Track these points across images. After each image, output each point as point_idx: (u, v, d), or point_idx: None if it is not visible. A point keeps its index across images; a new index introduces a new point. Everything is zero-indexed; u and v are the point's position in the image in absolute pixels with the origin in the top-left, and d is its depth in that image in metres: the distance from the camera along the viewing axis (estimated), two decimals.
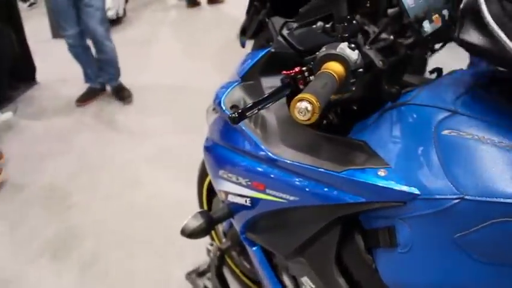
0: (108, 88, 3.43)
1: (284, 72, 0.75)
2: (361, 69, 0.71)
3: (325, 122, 1.02)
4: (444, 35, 0.91)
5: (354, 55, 0.70)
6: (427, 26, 0.85)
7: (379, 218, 0.77)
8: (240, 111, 0.70)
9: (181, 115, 3.05)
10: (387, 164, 0.74)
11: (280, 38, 0.96)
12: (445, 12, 0.89)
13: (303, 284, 1.01)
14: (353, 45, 0.71)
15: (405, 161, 0.73)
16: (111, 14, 3.45)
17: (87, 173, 2.57)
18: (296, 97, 0.61)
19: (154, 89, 3.49)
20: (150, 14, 5.34)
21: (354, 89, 0.72)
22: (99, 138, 2.91)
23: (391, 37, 0.86)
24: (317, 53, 0.73)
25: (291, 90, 0.75)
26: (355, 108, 0.94)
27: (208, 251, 1.48)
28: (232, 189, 1.03)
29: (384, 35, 0.86)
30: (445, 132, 0.71)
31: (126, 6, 5.09)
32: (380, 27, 0.84)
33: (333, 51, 0.70)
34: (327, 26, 0.82)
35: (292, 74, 0.75)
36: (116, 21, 4.73)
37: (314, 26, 0.82)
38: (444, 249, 0.69)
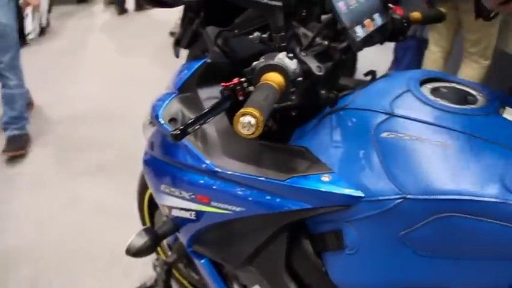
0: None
1: (223, 84, 0.74)
2: (300, 78, 0.72)
3: (265, 129, 1.02)
4: (376, 38, 0.94)
5: (292, 65, 0.71)
6: (359, 31, 0.87)
7: (325, 222, 0.78)
8: (181, 127, 0.69)
9: (115, 126, 2.95)
10: (330, 169, 0.75)
11: (215, 48, 0.94)
12: (377, 16, 0.93)
13: None
14: (291, 55, 0.71)
15: (347, 165, 0.75)
16: (32, 36, 3.08)
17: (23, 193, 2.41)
18: (239, 112, 0.60)
19: (84, 99, 3.35)
20: (76, 22, 5.13)
21: (293, 97, 0.73)
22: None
23: (326, 42, 0.88)
24: (255, 63, 0.72)
25: (231, 102, 0.74)
26: (294, 114, 0.95)
27: (155, 266, 1.44)
28: (176, 203, 1.01)
29: (318, 41, 0.87)
30: (384, 134, 0.73)
31: (49, 16, 4.85)
32: (314, 33, 0.85)
33: (271, 62, 0.70)
34: (264, 36, 0.82)
35: (231, 86, 0.74)
36: (40, 33, 4.49)
37: (251, 36, 0.82)
38: (390, 248, 0.71)
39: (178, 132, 0.68)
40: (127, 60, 4.00)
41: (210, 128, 0.93)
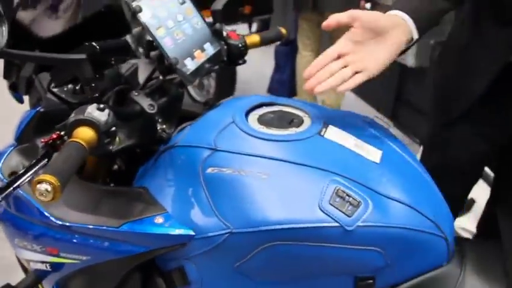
0: None
1: (42, 140, 0.72)
2: (114, 128, 0.71)
3: (116, 167, 1.01)
4: (211, 66, 0.95)
5: (103, 116, 0.69)
6: (189, 63, 0.89)
7: (170, 260, 0.79)
8: (1, 187, 0.66)
9: None
10: (164, 210, 0.76)
11: (49, 95, 0.91)
12: (208, 46, 0.94)
13: None
14: (102, 106, 0.70)
15: (179, 204, 0.76)
16: None
17: None
18: (35, 179, 0.58)
19: None
20: None
21: (111, 148, 0.72)
22: None
23: (160, 77, 0.89)
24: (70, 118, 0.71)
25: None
26: (139, 151, 0.95)
27: None
28: (31, 256, 0.96)
29: (154, 76, 0.88)
30: (209, 170, 0.75)
31: None
32: (149, 73, 0.85)
33: (81, 117, 0.68)
34: (77, 87, 0.81)
35: (50, 142, 0.72)
36: None
37: (65, 89, 0.80)
38: (230, 279, 0.74)
39: None
40: None
41: None
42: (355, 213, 0.69)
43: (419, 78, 2.95)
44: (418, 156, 2.41)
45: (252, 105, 0.87)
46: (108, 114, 0.70)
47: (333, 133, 0.80)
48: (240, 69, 3.40)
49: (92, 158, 0.91)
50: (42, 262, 0.95)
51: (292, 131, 0.81)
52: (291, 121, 0.83)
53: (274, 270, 0.71)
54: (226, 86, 3.32)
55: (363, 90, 3.67)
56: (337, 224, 0.68)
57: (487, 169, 1.31)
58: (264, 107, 0.88)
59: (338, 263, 0.71)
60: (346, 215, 0.68)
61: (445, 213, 0.79)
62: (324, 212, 0.68)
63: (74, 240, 0.83)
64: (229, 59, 1.02)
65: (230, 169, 0.73)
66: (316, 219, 0.67)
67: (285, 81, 3.35)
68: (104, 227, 0.77)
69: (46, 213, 0.85)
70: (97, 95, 0.76)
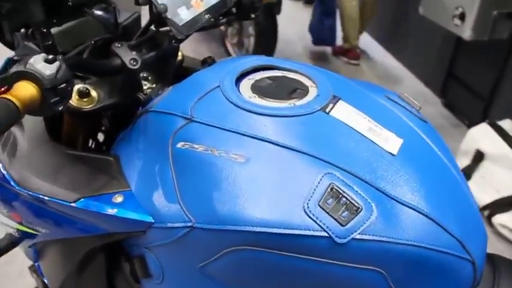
0: None
1: None
2: (63, 85, 0.57)
3: (102, 130, 0.89)
4: (212, 19, 0.80)
5: (48, 70, 0.55)
6: (184, 13, 0.74)
7: (133, 245, 0.67)
8: None
9: None
10: (127, 187, 0.63)
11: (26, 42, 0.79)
12: None
13: None
14: (51, 57, 0.55)
15: (144, 182, 0.63)
16: None
17: None
18: None
19: None
20: None
21: (61, 108, 0.59)
22: None
23: (153, 28, 0.75)
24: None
25: None
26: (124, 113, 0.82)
27: (31, 271, 1.32)
28: (2, 219, 0.88)
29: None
30: (180, 145, 0.60)
31: None
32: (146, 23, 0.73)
33: (21, 69, 0.55)
34: (29, 32, 0.67)
35: None
36: None
37: (18, 33, 0.67)
38: (194, 279, 0.60)
39: None
40: None
41: (23, 135, 0.79)
42: (351, 221, 0.52)
43: (476, 53, 2.65)
44: (464, 140, 2.19)
45: (248, 68, 0.70)
46: (59, 68, 0.56)
47: (342, 110, 0.63)
48: (282, 28, 3.21)
49: (68, 118, 0.79)
50: (11, 227, 0.87)
51: (290, 103, 0.64)
52: (293, 91, 0.67)
53: (242, 278, 0.57)
54: (266, 45, 3.16)
55: (411, 62, 3.38)
56: (324, 234, 0.52)
57: None
58: (264, 71, 0.72)
59: (323, 281, 0.55)
60: (339, 222, 0.52)
61: (475, 229, 0.62)
62: (308, 216, 0.52)
63: (33, 210, 0.73)
64: (238, 11, 0.87)
65: (202, 146, 0.58)
66: (297, 225, 0.52)
67: (330, 27, 3.35)
68: (59, 201, 0.65)
69: (7, 176, 0.75)
70: (49, 42, 0.62)
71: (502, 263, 0.70)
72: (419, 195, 0.57)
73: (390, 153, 0.60)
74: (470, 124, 2.51)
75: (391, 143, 0.61)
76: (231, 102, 0.62)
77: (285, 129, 0.59)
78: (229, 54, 3.48)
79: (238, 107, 0.62)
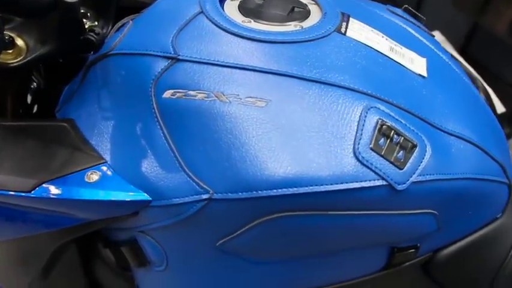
0: None
1: None
2: None
3: (33, 86, 0.70)
4: None
5: None
6: None
7: (116, 230, 0.53)
8: None
9: None
10: (101, 159, 0.48)
11: None
12: None
13: None
14: None
15: (123, 149, 0.47)
16: None
17: None
18: None
19: None
20: None
21: None
22: None
23: None
24: None
25: None
26: (61, 61, 0.64)
27: None
28: None
29: None
30: (167, 94, 0.45)
31: None
32: None
33: None
34: None
35: None
36: None
37: None
38: (210, 261, 0.49)
39: None
40: None
41: None
42: (408, 162, 0.43)
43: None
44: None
45: None
46: None
47: (358, 30, 0.52)
48: None
49: None
50: None
51: (296, 26, 0.51)
52: (291, 10, 0.53)
53: (276, 248, 0.47)
54: None
55: None
56: (383, 183, 0.42)
57: None
58: None
59: (372, 235, 0.47)
60: (396, 166, 0.42)
61: (507, 150, 0.57)
62: (362, 164, 0.42)
63: None
64: None
65: (201, 92, 0.44)
66: (351, 176, 0.41)
67: None
68: (9, 192, 0.48)
69: None
70: None
71: None
72: (461, 122, 0.50)
73: (420, 75, 0.51)
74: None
75: (417, 64, 0.53)
76: (225, 31, 0.48)
77: (303, 59, 0.46)
78: None
79: (236, 35, 0.47)
